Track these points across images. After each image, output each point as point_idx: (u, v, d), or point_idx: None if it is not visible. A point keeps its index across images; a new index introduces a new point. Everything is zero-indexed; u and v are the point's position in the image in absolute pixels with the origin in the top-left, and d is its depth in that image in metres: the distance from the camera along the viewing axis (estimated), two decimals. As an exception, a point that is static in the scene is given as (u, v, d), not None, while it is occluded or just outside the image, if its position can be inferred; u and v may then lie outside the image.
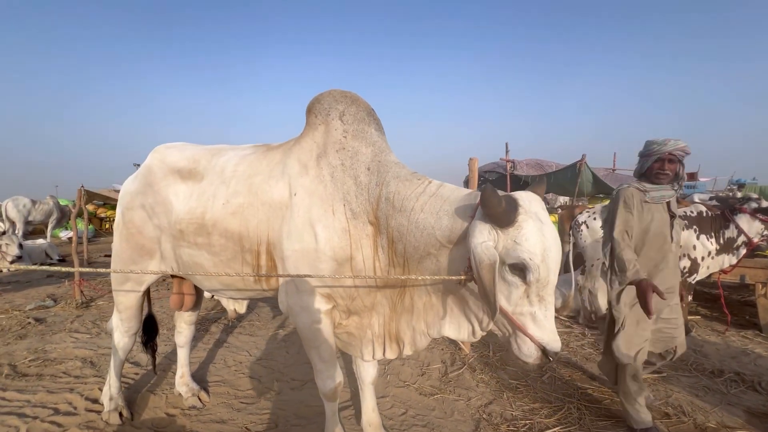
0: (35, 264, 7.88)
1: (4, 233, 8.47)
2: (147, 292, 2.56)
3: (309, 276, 1.62)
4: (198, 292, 2.71)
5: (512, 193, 1.41)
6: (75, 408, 2.55)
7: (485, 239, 1.32)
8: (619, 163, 13.82)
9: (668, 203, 2.21)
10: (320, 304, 1.74)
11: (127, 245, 2.25)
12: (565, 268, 4.81)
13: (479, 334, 1.56)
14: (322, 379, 1.87)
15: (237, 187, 1.91)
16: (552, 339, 1.35)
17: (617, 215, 2.18)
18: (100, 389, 2.72)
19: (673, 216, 2.21)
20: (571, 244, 4.40)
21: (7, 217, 10.40)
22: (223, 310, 4.70)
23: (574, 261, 4.57)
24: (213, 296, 4.74)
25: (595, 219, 4.15)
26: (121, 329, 2.43)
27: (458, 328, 1.60)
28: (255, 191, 1.86)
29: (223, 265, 1.95)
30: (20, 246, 7.45)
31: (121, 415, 2.41)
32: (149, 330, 2.67)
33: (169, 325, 4.09)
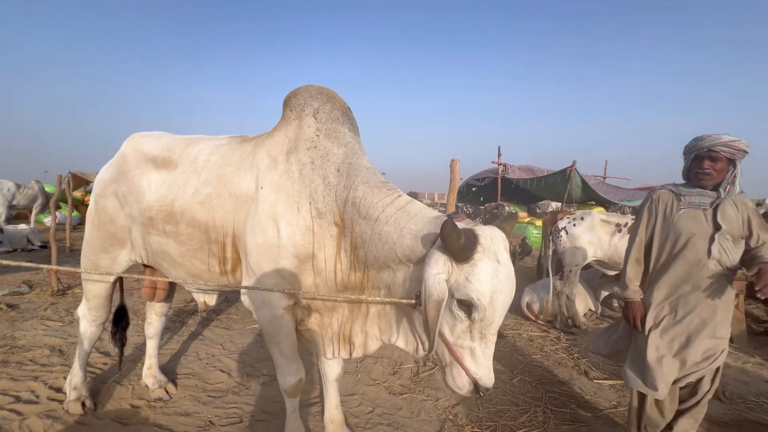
0: (16, 249, 7.76)
1: (-15, 217, 8.30)
2: (120, 282, 2.53)
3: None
4: (171, 283, 2.69)
5: (477, 227, 1.40)
6: (37, 396, 2.51)
7: (439, 271, 1.32)
8: (610, 171, 13.99)
9: (714, 211, 1.82)
10: (281, 300, 1.73)
11: (98, 234, 2.22)
12: (545, 273, 4.85)
13: (422, 353, 1.58)
14: (282, 374, 1.87)
15: (207, 176, 1.89)
16: (486, 376, 1.37)
17: (639, 223, 2.01)
18: (65, 378, 2.68)
19: (717, 228, 1.81)
20: (551, 250, 4.43)
21: (-9, 201, 10.22)
22: (202, 303, 4.66)
23: (555, 266, 4.61)
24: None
25: (574, 225, 4.18)
26: (89, 318, 2.40)
27: (406, 341, 1.63)
28: (224, 182, 1.84)
29: (190, 255, 1.94)
30: (0, 230, 7.34)
31: (83, 405, 2.37)
32: (119, 321, 2.63)
33: (143, 316, 4.05)
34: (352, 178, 1.67)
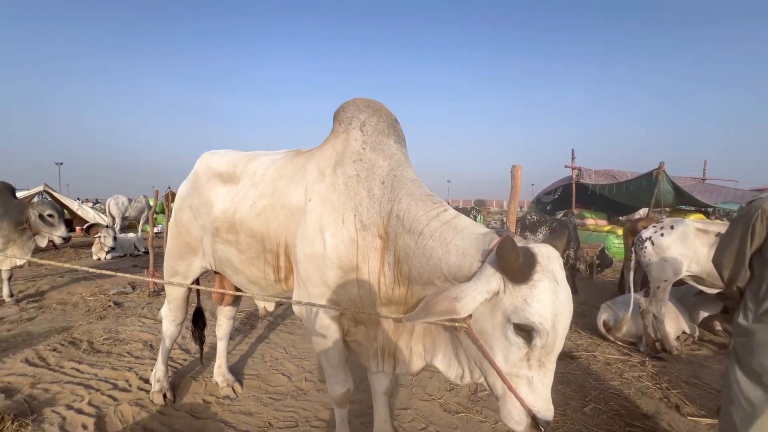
0: (126, 254, 9.06)
1: (107, 227, 9.87)
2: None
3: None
4: (237, 289, 2.90)
5: (532, 245, 1.30)
6: (130, 385, 2.86)
7: (488, 290, 1.24)
8: (711, 171, 12.16)
9: None
10: (328, 310, 1.76)
11: (176, 242, 2.49)
12: (627, 288, 4.31)
13: (467, 380, 1.47)
14: (331, 384, 1.89)
15: (263, 189, 2.02)
16: (545, 408, 1.24)
17: (735, 244, 1.60)
18: (152, 370, 3.03)
19: None
20: (633, 262, 3.94)
21: (109, 213, 12.13)
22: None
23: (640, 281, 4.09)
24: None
25: (662, 235, 3.67)
26: (169, 318, 2.68)
27: (448, 365, 1.54)
28: (277, 195, 1.95)
29: (249, 263, 2.07)
30: (115, 239, 8.63)
31: (165, 396, 2.65)
32: (197, 321, 2.91)
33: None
34: (396, 190, 1.65)
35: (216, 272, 2.61)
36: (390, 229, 1.61)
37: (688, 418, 2.60)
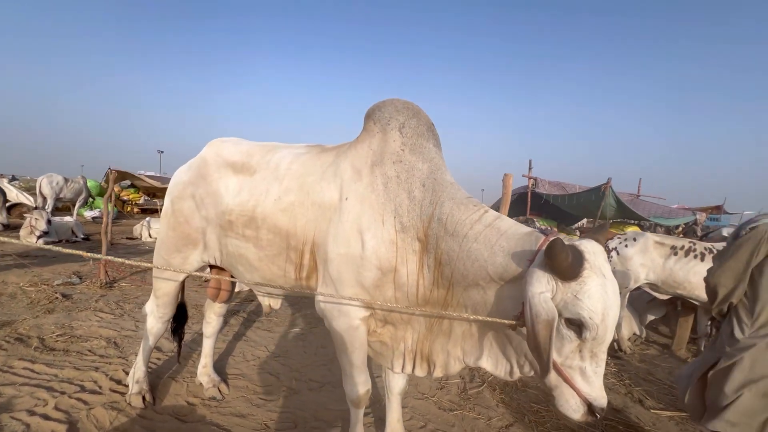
0: (61, 240, 8.10)
1: (36, 208, 8.75)
2: (182, 281, 2.60)
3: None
4: (232, 284, 2.74)
5: (577, 243, 1.37)
6: (100, 387, 2.59)
7: (544, 290, 1.28)
8: (645, 189, 13.58)
9: None
10: (358, 310, 1.73)
11: (173, 233, 2.26)
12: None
13: (517, 375, 1.53)
14: (350, 384, 1.86)
15: (290, 184, 1.92)
16: (600, 396, 1.32)
17: (735, 263, 1.66)
18: (125, 371, 2.77)
19: None
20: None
21: (41, 193, 10.77)
22: (243, 302, 4.75)
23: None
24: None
25: (626, 246, 4.06)
26: (156, 315, 2.46)
27: (495, 364, 1.58)
28: (307, 191, 1.87)
29: (268, 260, 1.97)
30: (48, 222, 7.69)
31: (144, 398, 2.44)
32: (179, 318, 2.70)
33: (191, 313, 4.14)
34: (437, 193, 1.66)
35: (213, 267, 2.45)
36: (430, 231, 1.63)
37: (651, 411, 2.91)
